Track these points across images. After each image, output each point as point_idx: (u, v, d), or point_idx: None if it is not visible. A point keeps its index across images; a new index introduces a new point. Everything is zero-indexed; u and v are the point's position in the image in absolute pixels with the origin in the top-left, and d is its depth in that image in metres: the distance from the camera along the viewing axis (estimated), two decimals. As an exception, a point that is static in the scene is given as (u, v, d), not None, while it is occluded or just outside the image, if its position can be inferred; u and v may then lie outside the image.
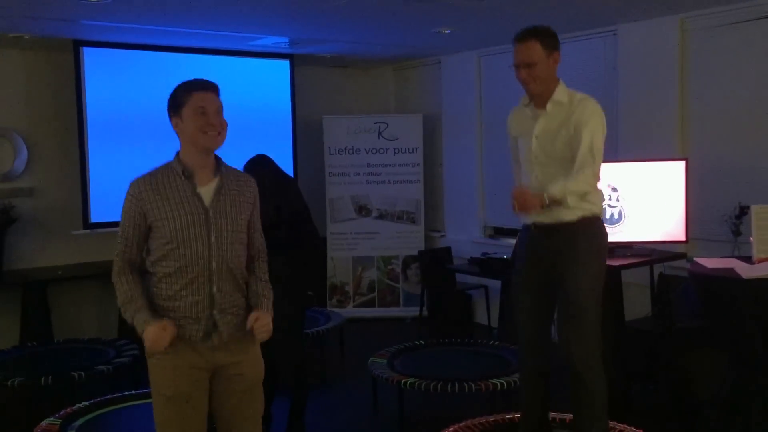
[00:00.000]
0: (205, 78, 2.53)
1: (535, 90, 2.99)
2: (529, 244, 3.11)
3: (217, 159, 2.56)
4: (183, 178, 2.47)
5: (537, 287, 3.09)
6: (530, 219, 3.07)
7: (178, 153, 2.53)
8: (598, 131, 2.96)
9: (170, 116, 2.51)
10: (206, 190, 2.50)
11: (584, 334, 2.95)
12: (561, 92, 3.01)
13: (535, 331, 3.11)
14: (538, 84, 2.97)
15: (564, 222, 2.97)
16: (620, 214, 4.47)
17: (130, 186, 2.49)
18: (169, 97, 2.53)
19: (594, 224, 3.03)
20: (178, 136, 2.52)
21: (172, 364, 2.46)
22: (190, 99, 2.46)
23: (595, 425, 3.02)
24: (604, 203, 3.12)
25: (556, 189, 2.90)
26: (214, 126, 2.47)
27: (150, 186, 2.46)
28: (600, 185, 3.10)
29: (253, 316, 2.50)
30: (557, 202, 2.91)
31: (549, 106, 3.00)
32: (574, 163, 2.97)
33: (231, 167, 2.62)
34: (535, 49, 2.94)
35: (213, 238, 2.46)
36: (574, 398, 3.04)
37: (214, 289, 2.47)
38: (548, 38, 2.99)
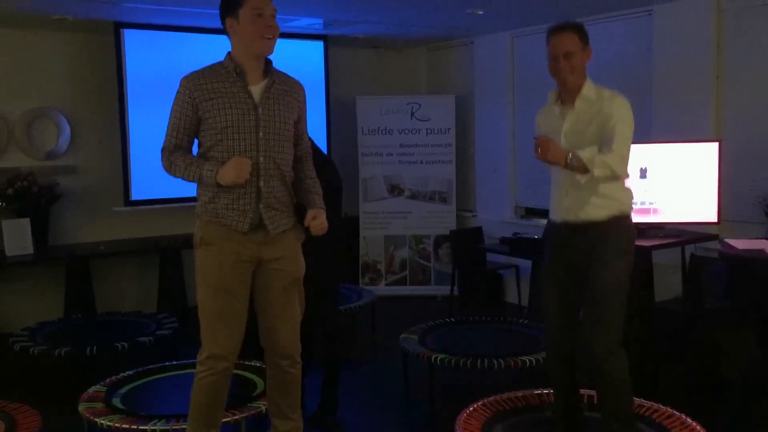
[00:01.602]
0: None
1: (570, 81, 2.99)
2: (556, 241, 3.14)
3: (267, 60, 2.62)
4: (234, 75, 2.55)
5: (564, 282, 3.12)
6: (559, 217, 3.09)
7: (229, 53, 2.60)
8: (628, 124, 2.97)
9: (223, 17, 2.57)
10: (256, 89, 2.57)
11: (605, 328, 2.98)
12: (589, 88, 3.02)
13: (562, 324, 3.15)
14: (574, 75, 2.98)
15: (593, 221, 2.99)
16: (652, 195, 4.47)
17: (182, 80, 2.58)
18: None
19: (623, 223, 3.04)
20: (231, 38, 2.58)
21: (219, 257, 2.58)
22: (247, 0, 2.51)
23: (621, 416, 3.07)
24: (633, 201, 3.12)
25: (585, 153, 2.88)
26: (273, 29, 2.54)
27: (202, 80, 2.55)
28: (628, 183, 3.11)
29: (310, 214, 2.61)
30: (581, 167, 2.87)
31: (577, 102, 3.01)
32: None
33: (280, 71, 2.68)
34: (574, 40, 2.98)
35: (261, 134, 2.55)
36: (598, 386, 3.10)
37: (261, 183, 2.57)
38: (583, 32, 3.03)
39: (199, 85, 2.54)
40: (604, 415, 3.11)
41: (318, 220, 2.60)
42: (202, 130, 2.58)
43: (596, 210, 2.99)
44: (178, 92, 2.59)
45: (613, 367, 3.00)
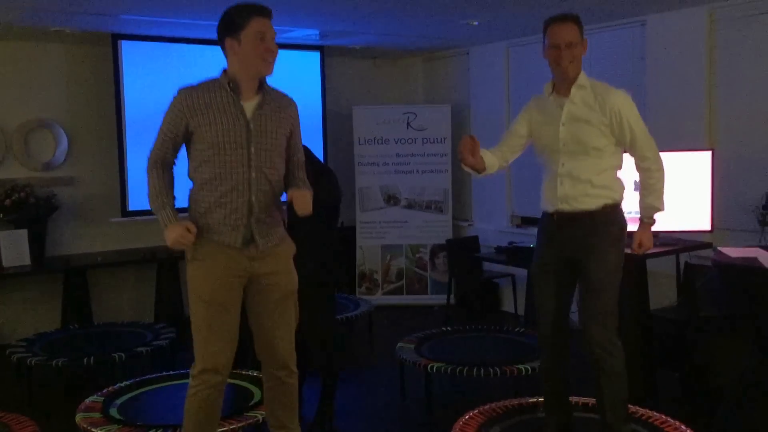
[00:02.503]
0: None
1: (570, 70, 3.04)
2: (549, 230, 3.19)
3: (261, 79, 2.66)
4: (229, 91, 2.57)
5: (556, 271, 3.16)
6: (552, 207, 3.14)
7: (224, 70, 2.62)
8: (640, 119, 3.08)
9: (223, 37, 2.58)
10: (249, 105, 2.61)
11: (603, 315, 3.02)
12: (583, 77, 3.09)
13: (554, 313, 3.18)
14: (574, 65, 3.04)
15: (586, 210, 3.05)
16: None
17: (176, 93, 2.61)
18: (222, 17, 2.59)
19: (614, 212, 3.10)
20: (228, 57, 2.60)
21: (211, 270, 2.60)
22: (249, 22, 2.54)
23: (617, 408, 3.10)
24: (624, 190, 3.18)
25: (649, 212, 3.13)
26: (273, 53, 2.58)
27: (196, 94, 2.58)
28: (620, 174, 3.16)
29: (291, 189, 2.62)
30: (660, 209, 3.15)
31: (573, 90, 3.06)
32: (605, 152, 3.05)
33: (272, 87, 2.72)
34: (575, 31, 3.05)
35: (253, 150, 2.58)
36: (596, 381, 3.12)
37: (253, 198, 2.59)
38: (581, 24, 3.11)
39: (192, 99, 2.57)
40: (601, 406, 3.13)
41: (298, 193, 2.59)
42: (193, 143, 2.60)
43: (591, 200, 3.05)
44: (171, 104, 2.62)
45: (612, 357, 3.04)
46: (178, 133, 2.60)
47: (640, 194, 3.14)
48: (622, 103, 3.03)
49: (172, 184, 2.66)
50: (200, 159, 2.58)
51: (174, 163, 2.68)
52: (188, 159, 2.66)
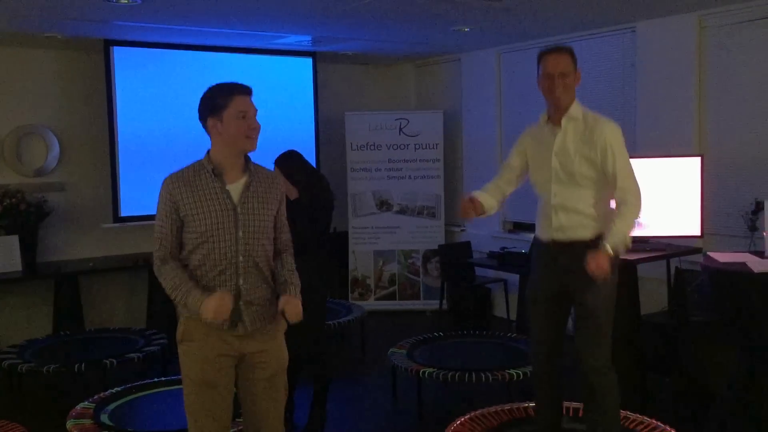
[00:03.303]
0: (235, 80, 2.61)
1: (564, 101, 3.05)
2: (543, 259, 3.18)
3: (246, 157, 2.66)
4: (213, 176, 2.57)
5: (550, 298, 3.17)
6: (547, 236, 3.13)
7: (208, 152, 2.61)
8: (625, 154, 3.06)
9: (205, 117, 2.58)
10: (235, 188, 2.60)
11: (598, 344, 3.04)
12: (576, 108, 3.09)
13: (549, 341, 3.20)
14: (568, 94, 3.05)
15: (580, 239, 3.05)
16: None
17: (163, 183, 2.59)
18: (203, 97, 2.59)
19: None
20: (211, 136, 2.60)
21: (201, 352, 2.59)
22: (231, 102, 2.53)
23: (610, 426, 3.10)
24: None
25: (615, 239, 2.94)
26: (256, 129, 2.57)
27: (182, 182, 2.56)
28: (613, 204, 3.14)
29: (283, 299, 2.60)
30: (625, 244, 2.99)
31: (564, 121, 3.07)
32: (597, 182, 3.04)
33: (258, 165, 2.72)
34: (568, 61, 3.06)
35: (240, 233, 2.57)
36: (588, 401, 3.14)
37: (241, 281, 2.58)
38: (575, 56, 3.11)
39: (178, 188, 2.57)
40: (592, 429, 3.14)
41: (290, 305, 2.60)
42: (184, 232, 2.61)
43: (585, 230, 3.05)
44: (160, 195, 2.61)
45: (607, 382, 3.06)
46: (174, 222, 2.60)
47: (612, 221, 3.03)
48: (611, 133, 3.04)
49: (186, 271, 2.61)
50: (190, 245, 2.59)
51: (181, 252, 2.64)
52: (181, 245, 2.65)
